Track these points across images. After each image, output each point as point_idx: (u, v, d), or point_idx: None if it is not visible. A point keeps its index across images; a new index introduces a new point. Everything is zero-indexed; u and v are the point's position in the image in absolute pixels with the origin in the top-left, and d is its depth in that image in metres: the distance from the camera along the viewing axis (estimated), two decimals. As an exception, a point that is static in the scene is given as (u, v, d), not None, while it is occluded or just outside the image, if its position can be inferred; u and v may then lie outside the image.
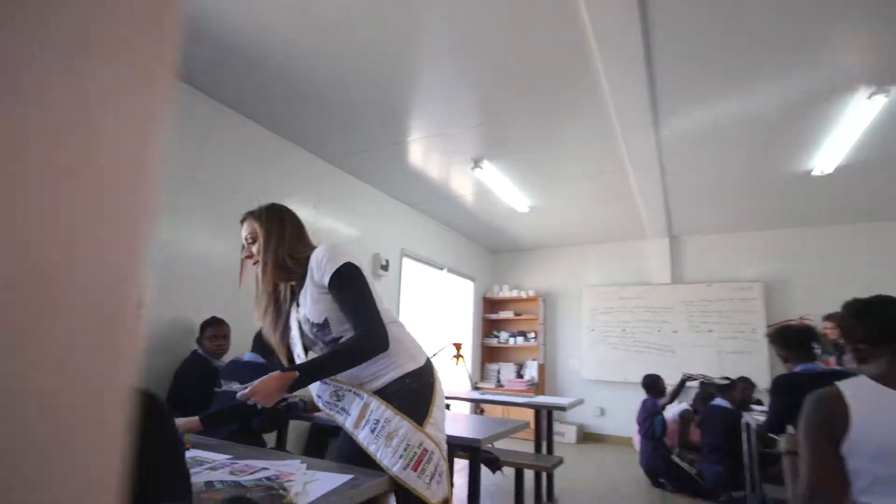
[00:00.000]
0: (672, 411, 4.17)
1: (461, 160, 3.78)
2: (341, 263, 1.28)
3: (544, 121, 3.09)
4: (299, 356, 1.40)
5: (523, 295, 6.35)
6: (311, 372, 1.23)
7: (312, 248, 1.39)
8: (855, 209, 4.60)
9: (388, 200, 4.69)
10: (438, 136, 3.40)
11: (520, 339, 6.22)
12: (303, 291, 1.36)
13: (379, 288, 4.35)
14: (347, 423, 1.30)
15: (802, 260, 5.17)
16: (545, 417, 3.55)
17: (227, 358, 2.58)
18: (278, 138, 3.43)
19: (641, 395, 5.51)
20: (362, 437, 1.26)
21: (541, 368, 6.06)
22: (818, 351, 2.35)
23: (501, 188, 4.24)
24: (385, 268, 4.38)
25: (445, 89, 2.77)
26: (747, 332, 5.18)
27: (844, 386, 1.14)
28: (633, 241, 6.01)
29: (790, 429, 1.71)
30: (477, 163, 3.76)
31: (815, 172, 3.67)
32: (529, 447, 3.79)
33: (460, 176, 4.12)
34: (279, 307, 1.46)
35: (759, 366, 5.00)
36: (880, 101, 2.61)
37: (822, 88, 2.60)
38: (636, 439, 4.10)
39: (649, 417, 3.81)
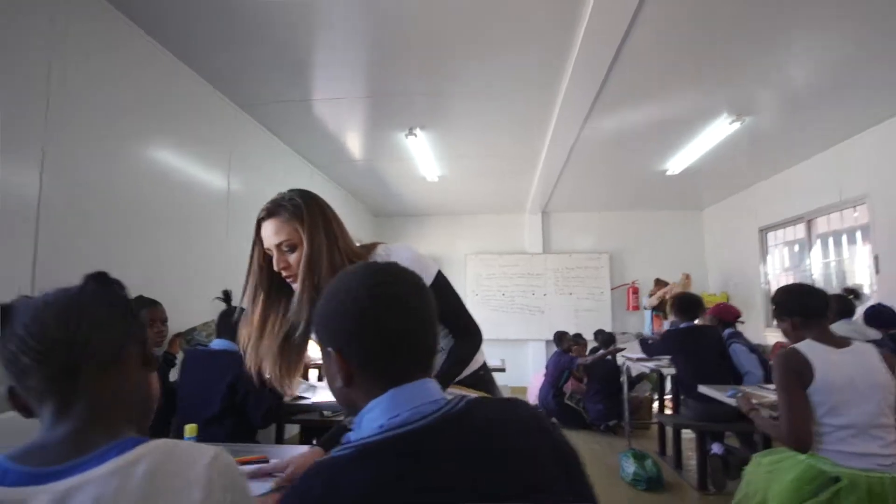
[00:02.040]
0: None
1: (395, 125, 3.63)
2: (435, 273, 1.17)
3: (490, 97, 3.18)
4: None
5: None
6: (449, 376, 1.14)
7: (360, 253, 1.16)
8: (675, 201, 6.00)
9: (297, 159, 4.21)
10: (374, 99, 3.20)
11: (408, 305, 6.40)
12: None
13: None
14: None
15: (636, 236, 6.53)
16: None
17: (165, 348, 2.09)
18: (190, 70, 2.75)
19: (519, 349, 6.35)
20: None
21: (429, 331, 6.38)
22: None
23: (422, 156, 4.22)
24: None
25: (386, 50, 2.62)
26: (597, 294, 6.37)
27: (801, 347, 1.61)
28: (513, 214, 6.66)
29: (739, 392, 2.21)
30: (412, 130, 3.67)
31: (669, 172, 4.66)
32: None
33: (384, 141, 3.95)
34: (284, 316, 1.14)
35: (603, 320, 6.23)
36: (735, 126, 3.46)
37: (697, 110, 3.32)
38: (535, 384, 4.78)
39: (564, 370, 4.48)
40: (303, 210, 1.07)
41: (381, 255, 1.14)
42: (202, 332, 2.48)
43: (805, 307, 1.66)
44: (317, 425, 2.55)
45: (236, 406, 1.78)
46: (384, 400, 0.59)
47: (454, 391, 1.09)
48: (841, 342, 1.60)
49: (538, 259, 6.49)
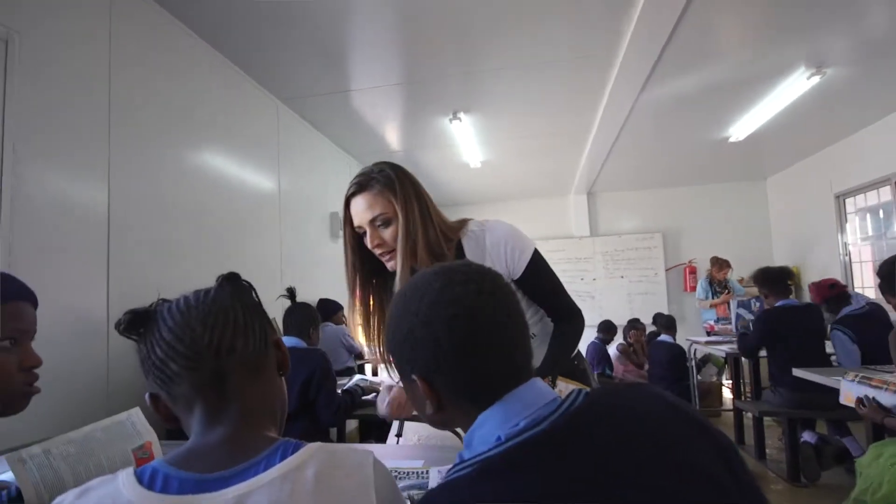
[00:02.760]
0: (611, 350, 4.75)
1: (439, 111, 3.52)
2: (532, 250, 1.08)
3: (537, 71, 3.00)
4: None
5: (456, 251, 6.40)
6: (557, 363, 1.04)
7: (456, 226, 1.10)
8: (734, 172, 5.58)
9: (341, 154, 4.20)
10: (418, 84, 3.08)
11: (454, 295, 6.33)
12: None
13: (337, 250, 3.99)
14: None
15: (691, 213, 6.15)
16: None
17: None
18: (240, 72, 2.74)
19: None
20: None
21: (477, 321, 6.30)
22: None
23: (466, 142, 4.09)
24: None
25: (423, 32, 2.48)
26: (651, 276, 6.06)
27: None
28: (558, 197, 6.42)
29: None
30: (455, 114, 3.54)
31: (732, 139, 4.31)
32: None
33: (429, 128, 3.85)
34: (386, 296, 1.11)
35: (659, 303, 5.93)
36: (814, 80, 3.12)
37: (770, 66, 3.00)
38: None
39: (602, 359, 4.31)
40: (395, 181, 1.00)
41: (474, 230, 1.07)
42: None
43: None
44: (375, 420, 2.51)
45: (309, 404, 1.74)
46: (497, 412, 0.51)
47: (562, 385, 0.98)
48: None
49: (586, 242, 6.24)
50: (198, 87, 2.42)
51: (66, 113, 1.69)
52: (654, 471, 0.44)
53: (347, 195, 1.04)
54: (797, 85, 3.19)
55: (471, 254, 1.06)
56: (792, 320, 2.70)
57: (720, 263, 5.08)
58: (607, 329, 4.69)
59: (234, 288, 0.61)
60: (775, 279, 2.82)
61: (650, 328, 4.77)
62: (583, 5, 2.30)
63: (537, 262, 1.08)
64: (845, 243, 4.67)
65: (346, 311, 1.13)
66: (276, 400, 0.60)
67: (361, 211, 1.01)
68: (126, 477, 0.47)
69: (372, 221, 1.00)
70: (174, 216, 2.19)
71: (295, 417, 1.72)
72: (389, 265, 1.02)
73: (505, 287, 0.57)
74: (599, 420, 0.48)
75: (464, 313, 0.52)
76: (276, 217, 3.13)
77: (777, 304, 2.77)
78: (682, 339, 4.40)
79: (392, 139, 4.09)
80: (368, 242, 1.02)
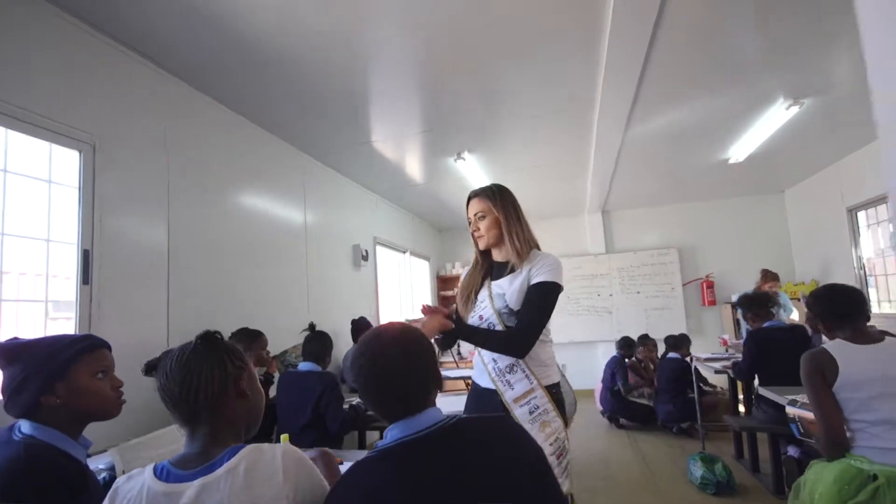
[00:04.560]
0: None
1: (445, 153, 3.92)
2: (555, 280, 1.47)
3: (530, 115, 3.35)
4: (472, 318, 1.56)
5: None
6: (467, 332, 1.47)
7: (533, 242, 1.57)
8: (749, 186, 5.64)
9: (362, 191, 4.67)
10: (427, 133, 3.50)
11: (475, 313, 6.65)
12: (514, 275, 1.50)
13: (359, 278, 4.44)
14: (508, 396, 1.47)
15: (708, 227, 6.22)
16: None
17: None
18: (269, 134, 3.27)
19: (588, 351, 6.34)
20: (519, 413, 1.45)
21: (497, 337, 6.59)
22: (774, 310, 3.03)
23: (472, 175, 4.47)
24: (365, 258, 4.41)
25: (433, 86, 2.89)
26: (667, 291, 6.16)
27: (828, 346, 1.62)
28: (572, 216, 6.66)
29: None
30: (459, 154, 3.94)
31: (732, 160, 4.46)
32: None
33: (437, 166, 4.26)
34: (483, 276, 1.59)
35: (676, 318, 6.02)
36: (794, 110, 3.29)
37: (747, 100, 3.21)
38: (599, 387, 4.80)
39: (612, 370, 4.52)
40: (497, 194, 1.57)
41: (537, 252, 1.54)
42: (292, 353, 2.93)
43: (833, 310, 1.67)
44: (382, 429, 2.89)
45: (320, 417, 2.15)
46: (398, 426, 0.86)
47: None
48: (875, 337, 1.59)
49: (601, 259, 6.42)
50: (236, 149, 2.95)
51: (136, 180, 2.21)
52: (468, 477, 0.77)
53: (468, 198, 1.62)
54: (779, 114, 3.37)
55: (529, 263, 1.50)
56: (776, 339, 2.88)
57: (767, 276, 4.53)
58: (627, 345, 4.85)
59: (206, 345, 0.90)
60: (757, 303, 3.02)
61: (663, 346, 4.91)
62: (557, 56, 2.55)
63: (547, 288, 1.45)
64: (859, 257, 4.66)
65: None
66: (237, 421, 0.90)
67: (472, 207, 1.59)
68: (149, 470, 0.81)
69: (475, 215, 1.57)
70: (220, 252, 2.70)
71: (308, 427, 2.13)
72: (479, 243, 1.58)
73: (406, 355, 0.89)
74: (450, 438, 0.83)
75: (368, 367, 0.89)
76: (303, 250, 3.61)
77: (764, 325, 2.96)
78: (699, 353, 4.52)
79: (410, 175, 4.51)
80: (471, 228, 1.59)
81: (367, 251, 4.47)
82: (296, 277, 3.48)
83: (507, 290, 1.49)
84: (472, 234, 1.60)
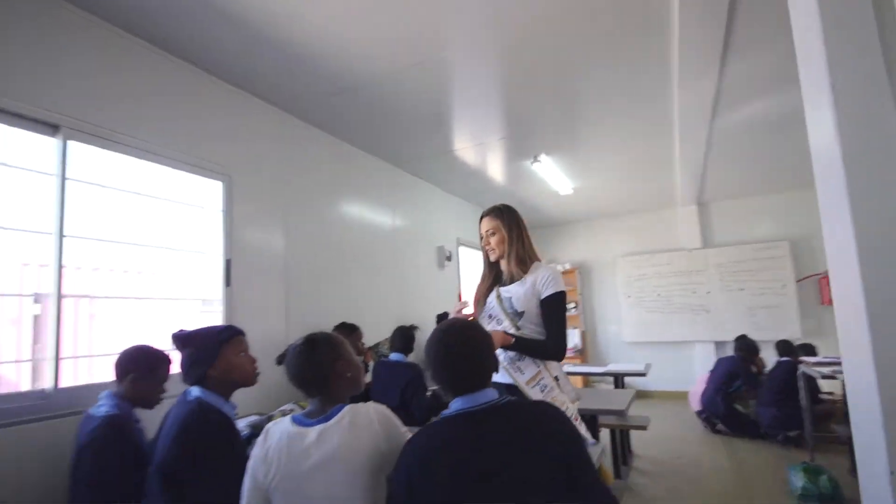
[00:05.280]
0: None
1: (521, 157, 4.05)
2: (559, 290, 1.68)
3: (608, 114, 3.35)
4: (483, 316, 1.81)
5: (560, 268, 6.72)
6: (521, 344, 1.65)
7: (535, 256, 1.80)
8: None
9: (445, 196, 4.97)
10: (505, 139, 3.67)
11: (560, 310, 6.64)
12: (520, 282, 1.73)
13: (443, 277, 4.70)
14: (521, 380, 1.68)
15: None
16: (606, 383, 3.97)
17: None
18: (359, 151, 3.69)
19: (683, 352, 6.02)
20: (532, 393, 1.65)
21: (583, 335, 6.52)
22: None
23: (550, 176, 4.53)
24: (449, 258, 4.71)
25: (511, 100, 3.02)
26: (777, 288, 5.60)
27: None
28: (662, 210, 6.34)
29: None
30: (536, 157, 4.04)
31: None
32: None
33: (515, 169, 4.39)
34: (492, 283, 1.85)
35: (788, 317, 5.45)
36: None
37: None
38: (698, 390, 4.56)
39: (736, 377, 4.25)
40: (504, 214, 1.81)
41: (538, 264, 1.76)
42: (384, 345, 3.30)
43: None
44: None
45: (406, 403, 2.45)
46: (461, 399, 1.09)
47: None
48: None
49: (697, 255, 6.03)
50: (335, 168, 3.40)
51: (259, 201, 2.71)
52: (511, 453, 0.97)
53: (480, 217, 1.85)
54: None
55: (531, 274, 1.72)
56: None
57: None
58: (749, 348, 4.45)
59: (308, 346, 1.24)
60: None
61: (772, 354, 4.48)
62: (626, 55, 2.57)
63: (557, 300, 1.68)
64: None
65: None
66: (340, 391, 1.24)
67: (483, 224, 1.82)
68: (288, 418, 1.19)
69: (487, 231, 1.81)
70: (325, 257, 3.17)
71: (396, 410, 2.42)
72: (491, 256, 1.83)
73: (467, 340, 1.13)
74: (498, 415, 1.04)
75: (440, 347, 1.12)
76: (393, 253, 4.00)
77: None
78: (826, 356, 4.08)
79: (491, 178, 4.69)
80: (483, 243, 1.83)
81: (450, 252, 4.75)
82: (387, 277, 3.87)
83: (513, 295, 1.73)
84: (484, 248, 1.83)
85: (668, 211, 6.33)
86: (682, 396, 5.77)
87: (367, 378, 2.95)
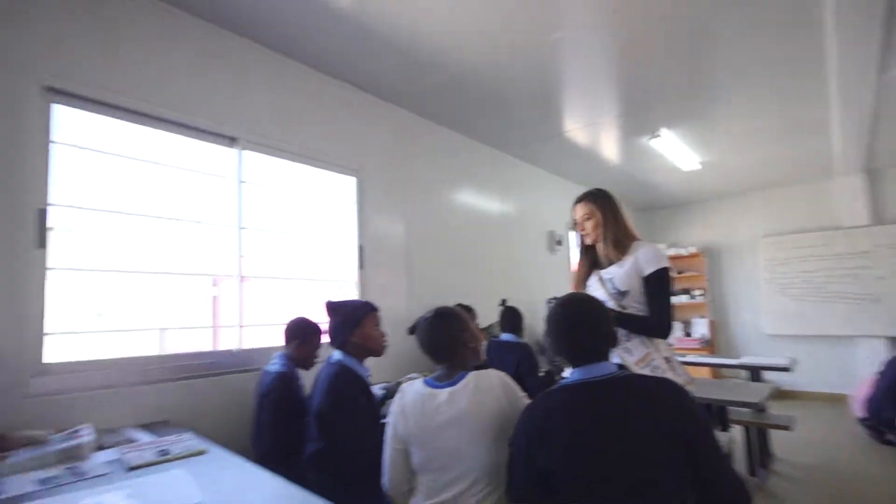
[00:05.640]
0: None
1: (639, 132, 3.83)
2: (661, 267, 1.64)
3: (744, 86, 3.01)
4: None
5: (683, 252, 6.18)
6: (622, 319, 1.63)
7: (633, 236, 1.76)
8: None
9: (555, 180, 4.91)
10: (620, 116, 3.50)
11: (683, 297, 6.13)
12: (619, 264, 1.72)
13: (554, 261, 4.65)
14: (629, 360, 1.65)
15: None
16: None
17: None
18: (471, 140, 3.84)
19: (838, 347, 5.19)
20: (646, 372, 1.60)
21: (712, 325, 5.94)
22: None
23: (674, 152, 4.19)
24: (560, 243, 4.66)
25: (626, 73, 2.86)
26: (981, 273, 4.49)
27: None
28: (812, 182, 5.45)
29: None
30: (654, 133, 3.79)
31: None
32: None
33: (631, 147, 4.16)
34: (590, 267, 1.85)
35: None
36: None
37: None
38: (863, 394, 3.92)
39: None
40: (599, 198, 1.79)
41: (636, 245, 1.72)
42: (496, 327, 3.44)
43: None
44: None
45: (520, 380, 2.55)
46: (581, 370, 1.15)
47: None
48: None
49: (860, 233, 5.08)
50: (448, 157, 3.59)
51: (383, 192, 3.01)
52: (626, 426, 1.02)
53: (574, 203, 1.85)
54: None
55: (630, 254, 1.70)
56: None
57: None
58: None
59: (438, 317, 1.40)
60: None
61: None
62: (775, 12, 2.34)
63: (661, 277, 1.64)
64: None
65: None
66: (465, 359, 1.39)
67: (578, 210, 1.82)
68: (420, 380, 1.38)
69: (581, 217, 1.80)
70: (441, 242, 3.40)
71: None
72: (586, 240, 1.82)
73: (589, 312, 1.19)
74: (617, 388, 1.08)
75: (556, 321, 1.20)
76: (504, 238, 4.09)
77: None
78: None
79: (604, 158, 4.49)
80: (577, 229, 1.83)
81: (561, 237, 4.70)
82: (498, 262, 3.99)
83: (615, 276, 1.71)
84: (580, 233, 1.82)
85: (821, 184, 5.41)
86: (838, 400, 4.99)
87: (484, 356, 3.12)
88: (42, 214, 1.67)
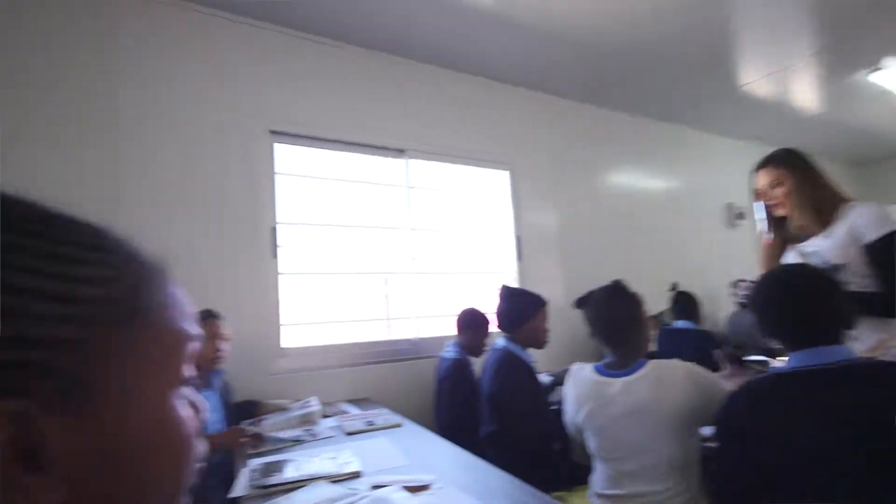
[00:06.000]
0: None
1: (852, 68, 3.06)
2: (890, 230, 1.33)
3: None
4: None
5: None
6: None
7: (842, 197, 1.47)
8: None
9: (730, 144, 4.25)
10: (820, 54, 2.84)
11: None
12: (826, 233, 1.44)
13: (734, 237, 3.99)
14: (859, 349, 1.31)
15: None
16: None
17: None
18: (622, 115, 3.58)
19: None
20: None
21: None
22: None
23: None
24: (741, 216, 4.02)
25: None
26: None
27: None
28: None
29: None
30: (875, 66, 2.98)
31: None
32: None
33: (840, 88, 3.34)
34: (783, 241, 1.58)
35: None
36: None
37: None
38: None
39: None
40: (784, 159, 1.53)
41: (849, 207, 1.43)
42: (666, 314, 3.15)
43: None
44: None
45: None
46: (798, 355, 0.96)
47: None
48: None
49: None
50: (602, 139, 3.41)
51: (535, 184, 3.01)
52: (859, 422, 0.84)
53: (753, 171, 1.62)
54: None
55: (841, 221, 1.42)
56: None
57: None
58: None
59: (615, 289, 1.33)
60: None
61: None
62: None
63: (886, 241, 1.33)
64: None
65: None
66: (639, 345, 1.29)
67: (760, 179, 1.57)
68: (590, 366, 1.31)
69: (768, 184, 1.54)
70: (595, 227, 3.27)
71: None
72: (779, 211, 1.55)
73: (816, 281, 1.00)
74: (849, 376, 0.90)
75: (775, 296, 1.02)
76: (668, 215, 3.70)
77: None
78: None
79: (798, 109, 3.73)
80: (765, 199, 1.57)
81: (743, 209, 4.04)
82: (664, 243, 3.63)
83: (821, 248, 1.45)
84: (766, 204, 1.56)
85: None
86: None
87: (652, 346, 2.90)
88: (273, 232, 2.14)
